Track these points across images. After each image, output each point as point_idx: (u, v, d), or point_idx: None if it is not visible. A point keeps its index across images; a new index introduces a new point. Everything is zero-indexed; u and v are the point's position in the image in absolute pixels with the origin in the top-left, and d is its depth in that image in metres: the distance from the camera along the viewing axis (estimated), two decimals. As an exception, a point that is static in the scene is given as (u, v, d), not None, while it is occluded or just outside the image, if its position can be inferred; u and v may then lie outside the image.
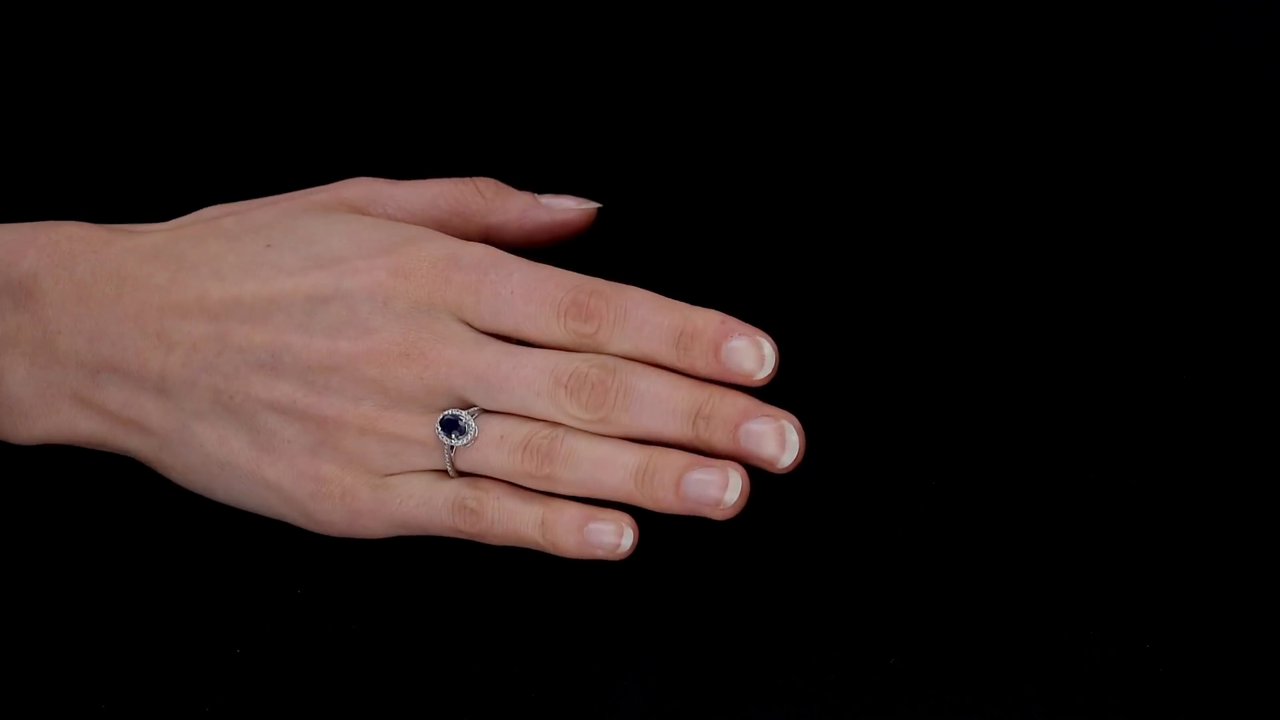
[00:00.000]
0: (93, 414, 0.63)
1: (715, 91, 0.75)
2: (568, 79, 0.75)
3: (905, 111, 0.75)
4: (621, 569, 0.63)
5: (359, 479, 0.62)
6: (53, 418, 0.63)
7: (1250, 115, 0.74)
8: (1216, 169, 0.73)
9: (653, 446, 0.61)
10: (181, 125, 0.74)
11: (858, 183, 0.73)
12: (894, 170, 0.74)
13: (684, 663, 0.61)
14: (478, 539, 0.62)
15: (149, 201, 0.70)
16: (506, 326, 0.62)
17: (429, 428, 0.62)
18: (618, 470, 0.61)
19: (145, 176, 0.73)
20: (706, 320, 0.61)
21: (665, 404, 0.61)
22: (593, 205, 0.67)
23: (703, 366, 0.61)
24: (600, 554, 0.62)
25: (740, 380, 0.61)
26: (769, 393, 0.61)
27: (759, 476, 0.62)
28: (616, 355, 0.62)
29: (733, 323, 0.61)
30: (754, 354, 0.61)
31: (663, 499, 0.61)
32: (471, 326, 0.62)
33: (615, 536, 0.61)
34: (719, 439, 0.61)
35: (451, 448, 0.62)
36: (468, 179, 0.66)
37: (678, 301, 0.62)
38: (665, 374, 0.61)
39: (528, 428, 0.61)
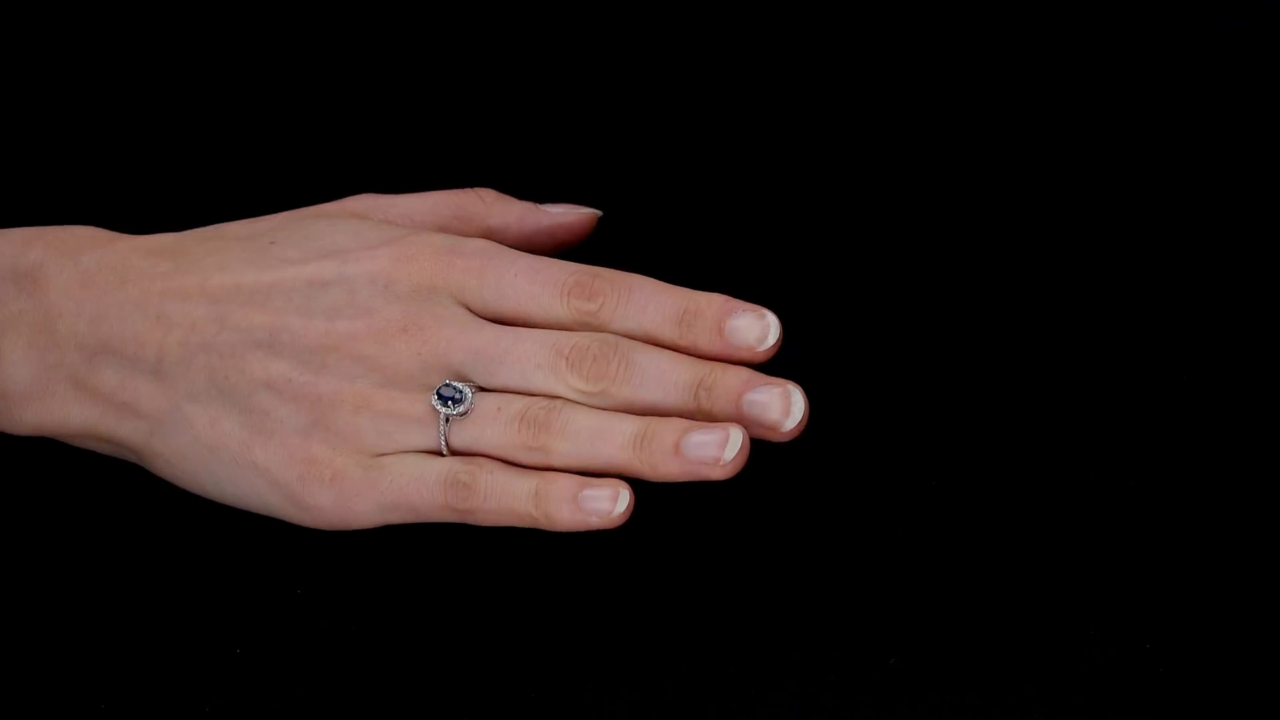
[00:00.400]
0: (86, 399, 0.62)
1: (715, 95, 0.75)
2: (567, 84, 0.75)
3: (904, 111, 0.75)
4: (621, 568, 0.63)
5: (350, 459, 0.61)
6: (47, 403, 0.63)
7: (1250, 115, 0.74)
8: (1216, 169, 0.73)
9: (651, 417, 0.61)
10: (184, 131, 0.74)
11: (855, 187, 0.73)
12: (893, 173, 0.74)
13: (683, 663, 0.61)
14: (469, 518, 0.61)
15: (151, 208, 0.70)
16: (508, 308, 0.62)
17: (424, 404, 0.61)
18: (615, 438, 0.61)
19: (148, 184, 0.73)
20: (710, 299, 0.62)
21: (666, 376, 0.61)
22: (593, 211, 0.67)
23: (706, 344, 0.61)
24: (595, 522, 0.60)
25: (744, 354, 0.61)
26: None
27: (759, 474, 0.62)
28: (619, 334, 0.62)
29: (736, 302, 0.62)
30: (757, 327, 0.62)
31: (661, 462, 0.60)
32: (472, 311, 0.62)
33: (610, 502, 0.60)
34: (721, 408, 0.61)
35: (447, 419, 0.61)
36: (468, 189, 0.66)
37: (681, 287, 0.62)
38: (667, 351, 0.62)
39: (525, 400, 0.61)
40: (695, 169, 0.74)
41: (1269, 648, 0.61)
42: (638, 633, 0.62)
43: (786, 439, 0.61)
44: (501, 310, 0.62)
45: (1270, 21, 0.75)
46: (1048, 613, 0.62)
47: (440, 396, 0.61)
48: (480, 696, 0.61)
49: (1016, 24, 0.76)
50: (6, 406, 0.63)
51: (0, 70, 0.75)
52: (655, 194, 0.73)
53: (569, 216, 0.67)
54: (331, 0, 0.76)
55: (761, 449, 0.64)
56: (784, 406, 0.61)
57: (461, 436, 0.61)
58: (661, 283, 0.62)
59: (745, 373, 0.61)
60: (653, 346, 0.61)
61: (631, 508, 0.61)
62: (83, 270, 0.62)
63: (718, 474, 0.60)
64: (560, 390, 0.61)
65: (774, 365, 0.62)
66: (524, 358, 0.61)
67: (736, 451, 0.60)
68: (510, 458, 0.61)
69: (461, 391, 0.61)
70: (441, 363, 0.61)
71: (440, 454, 0.61)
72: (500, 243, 0.66)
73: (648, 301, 0.62)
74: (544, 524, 0.61)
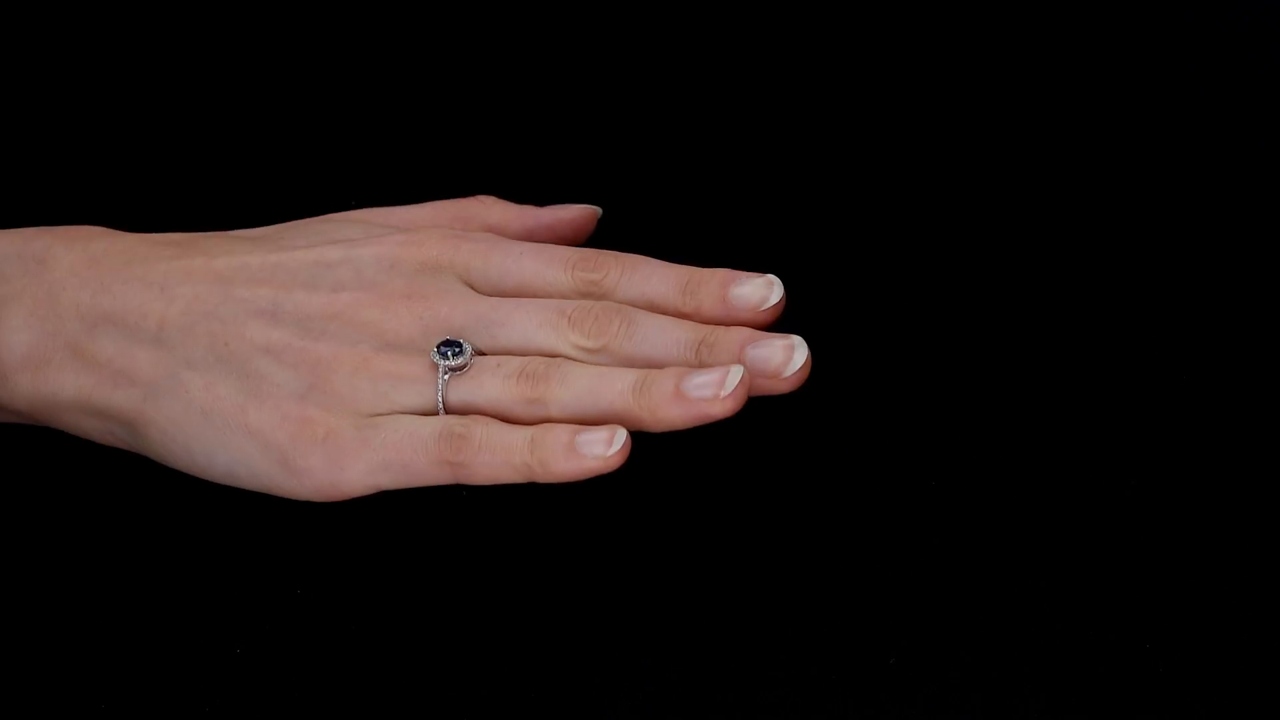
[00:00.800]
0: (83, 368, 0.62)
1: (715, 96, 0.75)
2: (567, 88, 0.75)
3: (905, 109, 0.75)
4: (621, 568, 0.63)
5: (344, 420, 0.61)
6: (43, 371, 0.62)
7: (1250, 115, 0.74)
8: (1217, 169, 0.73)
9: (650, 369, 0.61)
10: (187, 138, 0.74)
11: (855, 187, 0.73)
12: (892, 174, 0.74)
13: (683, 663, 0.61)
14: (462, 473, 0.60)
15: (154, 216, 0.70)
16: (512, 285, 0.62)
17: (422, 364, 0.61)
18: (614, 384, 0.60)
19: (151, 193, 0.73)
20: (714, 271, 0.62)
21: (669, 333, 0.61)
22: (594, 208, 0.67)
23: (709, 308, 0.62)
24: (591, 465, 0.59)
25: (747, 317, 0.61)
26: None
27: (760, 473, 0.62)
28: (622, 303, 0.62)
29: (740, 272, 0.62)
30: (761, 288, 0.62)
31: (661, 405, 0.60)
32: (476, 290, 0.62)
33: (605, 445, 0.59)
34: (722, 362, 0.61)
35: (447, 372, 0.61)
36: (469, 197, 0.67)
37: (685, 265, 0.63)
38: (670, 316, 0.62)
39: (524, 358, 0.61)
40: (696, 169, 0.74)
41: (1269, 648, 0.61)
42: (638, 633, 0.62)
43: (789, 388, 0.61)
44: (505, 288, 0.62)
45: (1270, 21, 0.75)
46: (1047, 613, 0.62)
47: (439, 350, 0.61)
48: (480, 696, 0.61)
49: (1016, 24, 0.76)
50: (2, 374, 0.62)
51: (3, 76, 0.75)
52: (656, 196, 0.73)
53: (570, 212, 0.67)
54: (333, 4, 0.76)
55: (761, 449, 0.64)
56: (785, 355, 0.61)
57: (459, 392, 0.61)
58: (666, 262, 0.62)
59: (747, 330, 0.61)
60: (656, 314, 0.62)
61: (628, 450, 0.59)
62: (90, 254, 0.63)
63: (717, 410, 0.60)
64: (561, 347, 0.61)
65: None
66: (526, 319, 0.61)
67: (736, 384, 0.59)
68: (508, 414, 0.61)
69: (462, 345, 0.61)
70: (443, 326, 0.61)
71: (436, 414, 0.61)
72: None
73: (652, 272, 0.62)
74: (539, 473, 0.60)
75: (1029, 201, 0.73)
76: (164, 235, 0.64)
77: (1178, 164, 0.73)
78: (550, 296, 0.62)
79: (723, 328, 0.61)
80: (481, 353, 0.61)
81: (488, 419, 0.61)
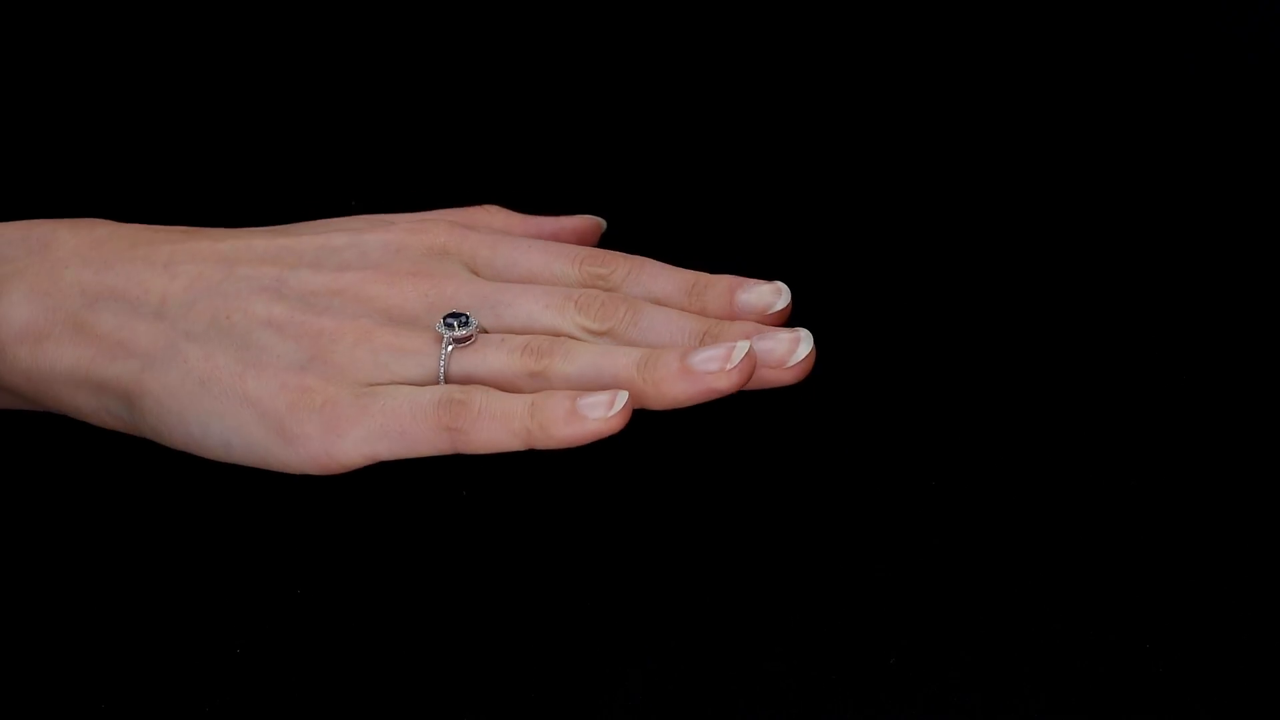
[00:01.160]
0: (82, 340, 0.62)
1: (717, 102, 0.75)
2: (570, 95, 0.75)
3: (906, 111, 0.75)
4: (621, 568, 0.63)
5: (343, 388, 0.60)
6: (42, 344, 0.62)
7: (1250, 115, 0.74)
8: (1217, 169, 0.73)
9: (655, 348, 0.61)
10: (188, 140, 0.74)
11: (859, 188, 0.73)
12: (895, 175, 0.74)
13: (683, 663, 0.61)
14: (461, 440, 0.60)
15: (153, 214, 0.70)
16: (518, 276, 0.62)
17: (425, 338, 0.61)
18: (619, 359, 0.60)
19: (152, 195, 0.73)
20: (721, 276, 0.62)
21: (673, 323, 0.61)
22: (598, 219, 0.67)
23: (715, 310, 0.62)
24: (592, 428, 0.59)
25: (754, 318, 0.61)
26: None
27: (760, 473, 0.62)
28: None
29: (747, 279, 0.62)
30: (769, 293, 0.62)
31: (666, 380, 0.59)
32: (481, 278, 0.62)
33: (607, 408, 0.59)
34: None
35: (450, 343, 0.61)
36: (473, 206, 0.67)
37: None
38: (675, 309, 0.62)
39: (529, 335, 0.61)
40: (699, 174, 0.74)
41: (1269, 648, 0.61)
42: (638, 633, 0.62)
43: (793, 379, 0.60)
44: (511, 278, 0.62)
45: (1271, 22, 0.75)
46: (1047, 613, 0.62)
47: (445, 322, 0.61)
48: (480, 696, 0.61)
49: (1017, 24, 0.76)
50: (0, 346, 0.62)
51: (3, 77, 0.75)
52: (657, 198, 0.73)
53: (574, 221, 0.67)
54: (335, 6, 0.76)
55: (762, 449, 0.64)
56: (790, 346, 0.60)
57: (461, 364, 0.60)
58: (673, 266, 0.63)
59: (752, 324, 0.61)
60: (662, 307, 0.62)
61: (629, 414, 0.59)
62: (94, 237, 0.63)
63: (723, 383, 0.59)
64: (566, 327, 0.61)
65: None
66: (533, 300, 0.61)
67: (742, 358, 0.59)
68: (510, 386, 0.60)
69: (468, 318, 0.61)
70: (448, 304, 0.61)
71: (437, 384, 0.61)
72: None
73: (659, 273, 0.63)
74: (539, 438, 0.59)
75: (1030, 202, 0.73)
76: (168, 226, 0.64)
77: (1178, 164, 0.73)
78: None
79: (727, 321, 0.61)
80: (485, 330, 0.61)
81: (487, 387, 0.60)
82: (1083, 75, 0.75)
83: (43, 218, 0.64)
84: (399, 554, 0.64)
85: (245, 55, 0.75)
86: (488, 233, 0.63)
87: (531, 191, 0.70)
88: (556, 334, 0.61)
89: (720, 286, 0.62)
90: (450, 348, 0.60)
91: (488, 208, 0.67)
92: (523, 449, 0.60)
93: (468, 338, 0.60)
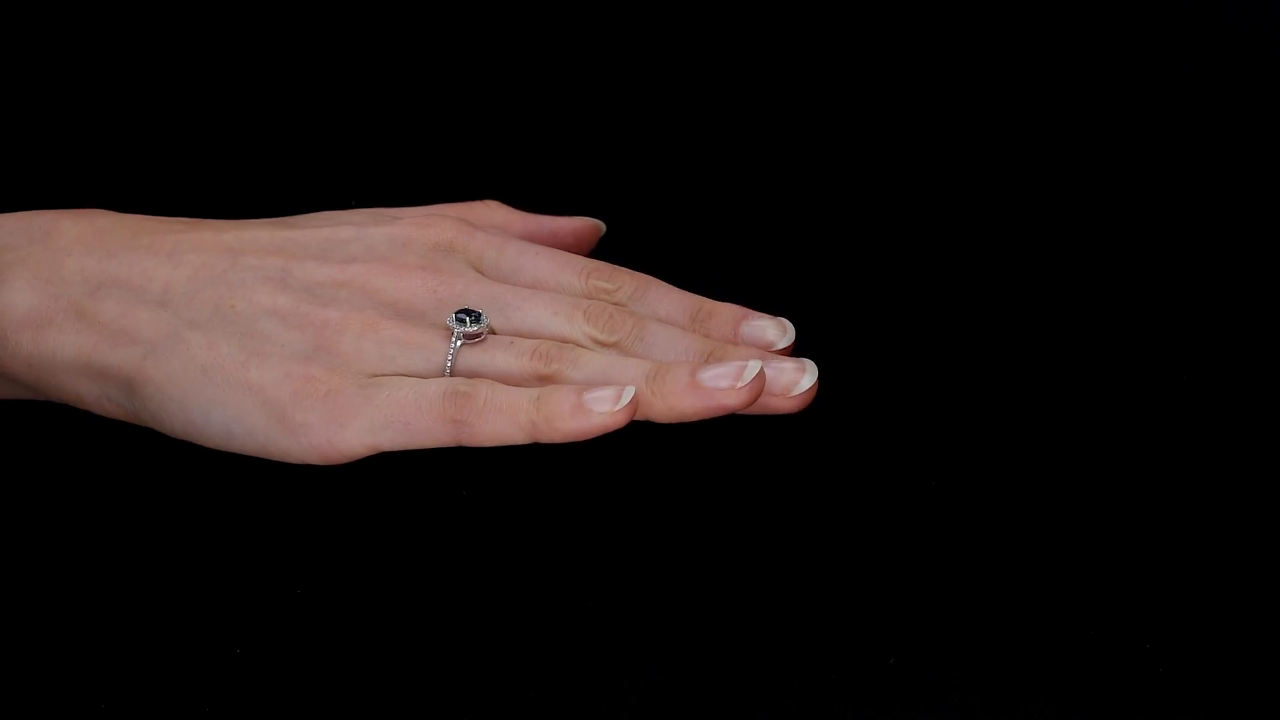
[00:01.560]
0: (84, 328, 0.61)
1: (718, 104, 0.75)
2: (571, 95, 0.75)
3: (907, 114, 0.75)
4: (621, 568, 0.63)
5: (347, 379, 0.60)
6: (44, 331, 0.61)
7: (1250, 115, 0.74)
8: (1217, 169, 0.73)
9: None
10: (188, 135, 0.74)
11: (856, 194, 0.73)
12: (894, 180, 0.74)
13: (683, 663, 0.61)
14: (466, 432, 0.59)
15: (153, 202, 0.70)
16: (524, 281, 0.62)
17: (433, 332, 0.60)
18: (628, 369, 0.60)
19: (151, 188, 0.73)
20: (726, 305, 0.62)
21: (679, 341, 0.61)
22: (597, 221, 0.67)
23: (718, 338, 0.61)
24: (598, 422, 0.59)
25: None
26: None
27: (760, 472, 0.62)
28: None
29: (752, 311, 0.62)
30: (773, 330, 0.62)
31: (674, 393, 0.59)
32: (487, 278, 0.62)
33: (612, 403, 0.59)
34: None
35: (460, 338, 0.60)
36: (473, 201, 0.67)
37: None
38: (681, 328, 0.62)
39: (538, 340, 0.61)
40: (699, 179, 0.74)
41: (1269, 648, 0.61)
42: (638, 633, 0.62)
43: (794, 408, 0.60)
44: (517, 283, 0.62)
45: (1271, 21, 0.75)
46: (1048, 613, 0.62)
47: (457, 317, 0.60)
48: (480, 696, 0.61)
49: (1017, 24, 0.76)
50: (2, 334, 0.62)
51: (3, 75, 0.75)
52: (659, 207, 0.73)
53: (574, 223, 0.67)
54: (335, 5, 0.76)
55: (763, 450, 0.64)
56: (795, 376, 0.60)
57: (468, 360, 0.60)
58: (679, 289, 0.62)
59: (756, 350, 0.61)
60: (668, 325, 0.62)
61: (634, 409, 0.59)
62: (97, 226, 0.63)
63: (733, 401, 0.59)
64: (574, 335, 0.61)
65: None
66: (542, 305, 0.61)
67: (754, 377, 0.59)
68: (515, 383, 0.60)
69: (480, 315, 0.61)
70: (457, 301, 0.61)
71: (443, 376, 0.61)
72: None
73: (664, 295, 0.62)
74: (544, 432, 0.59)
75: (1028, 205, 0.73)
76: (171, 217, 0.64)
77: (1178, 164, 0.73)
78: None
79: (731, 345, 0.61)
80: (494, 331, 0.61)
81: (492, 381, 0.60)
82: (1083, 75, 0.75)
83: (44, 209, 0.64)
84: (399, 552, 0.64)
85: (245, 48, 0.75)
86: (495, 234, 0.63)
87: (532, 192, 0.70)
88: (565, 341, 0.61)
89: (725, 315, 0.62)
90: (459, 343, 0.60)
91: (488, 203, 0.67)
92: (527, 442, 0.59)
93: (478, 334, 0.60)
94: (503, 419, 0.59)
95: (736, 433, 0.65)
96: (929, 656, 0.61)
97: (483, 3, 0.76)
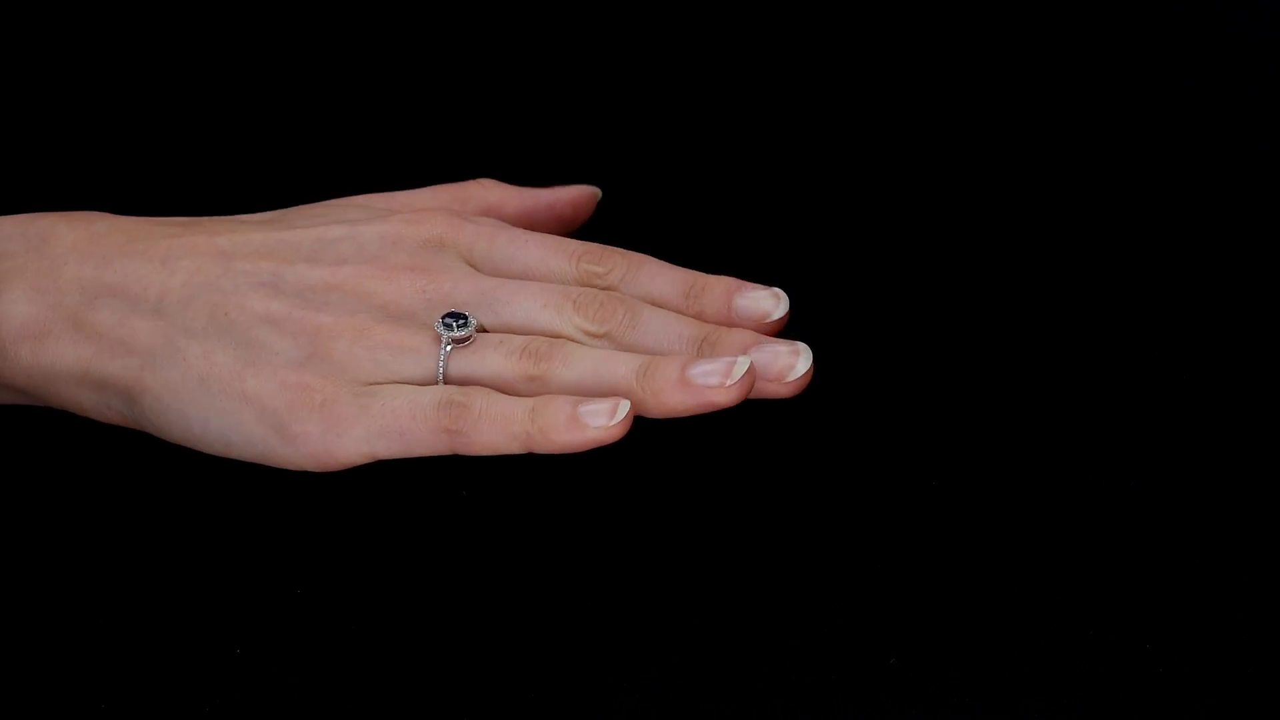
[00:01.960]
0: (82, 338, 0.62)
1: (717, 91, 0.75)
2: (568, 83, 0.75)
3: (906, 113, 0.75)
4: (621, 568, 0.63)
5: (342, 387, 0.60)
6: (43, 342, 0.62)
7: (1250, 115, 0.74)
8: (1217, 169, 0.73)
9: (654, 356, 0.61)
10: (183, 130, 0.74)
11: (857, 185, 0.73)
12: (894, 173, 0.74)
13: (683, 663, 0.61)
14: (461, 441, 0.60)
15: (151, 205, 0.70)
16: (515, 271, 0.62)
17: (424, 336, 0.61)
18: (618, 367, 0.60)
19: (149, 189, 0.73)
20: (719, 279, 0.62)
21: (671, 329, 0.61)
22: (593, 189, 0.67)
23: (712, 314, 0.62)
24: (593, 435, 0.59)
25: (751, 326, 0.61)
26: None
27: (760, 472, 0.62)
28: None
29: (745, 282, 0.62)
30: (767, 300, 0.62)
31: (665, 390, 0.60)
32: (478, 271, 0.62)
33: (608, 416, 0.59)
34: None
35: (449, 343, 0.61)
36: (468, 180, 0.67)
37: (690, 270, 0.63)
38: (673, 312, 0.62)
39: (528, 337, 0.61)
40: (697, 165, 0.74)
41: (1269, 648, 0.61)
42: (637, 633, 0.62)
43: (789, 393, 0.61)
44: (508, 273, 0.63)
45: (1271, 21, 0.75)
46: (1048, 613, 0.62)
47: (444, 322, 0.61)
48: (480, 696, 0.61)
49: (1017, 24, 0.76)
50: (1, 345, 0.62)
51: (2, 73, 0.75)
52: (657, 193, 0.73)
53: (570, 192, 0.67)
54: (332, 2, 0.76)
55: (762, 449, 0.64)
56: (790, 360, 0.61)
57: (459, 365, 0.61)
58: (671, 264, 0.63)
59: (750, 332, 0.61)
60: (659, 308, 0.62)
61: (630, 422, 0.59)
62: (92, 232, 0.63)
63: (722, 398, 0.59)
64: (565, 329, 0.61)
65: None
66: (531, 299, 0.61)
67: (743, 375, 0.59)
68: (508, 389, 0.61)
69: (466, 318, 0.61)
70: (446, 301, 0.61)
71: (435, 384, 0.61)
72: (500, 218, 0.66)
73: (656, 273, 0.63)
74: (539, 443, 0.60)
75: (1028, 202, 0.73)
76: (166, 218, 0.64)
77: (1178, 164, 0.73)
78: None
79: (725, 328, 0.61)
80: (484, 329, 0.61)
81: (487, 389, 0.60)
82: (1083, 75, 0.75)
83: (41, 208, 0.64)
84: (399, 554, 0.64)
85: (241, 45, 0.75)
86: (485, 224, 0.63)
87: (525, 169, 0.70)
88: (555, 335, 0.61)
89: (718, 290, 0.62)
90: (449, 348, 0.61)
91: (482, 181, 0.67)
92: (522, 452, 0.60)
93: (466, 338, 0.61)
94: (497, 430, 0.60)
95: (737, 431, 0.65)
96: (929, 656, 0.61)
97: None
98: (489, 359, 0.61)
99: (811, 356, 0.61)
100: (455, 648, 0.62)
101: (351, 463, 0.61)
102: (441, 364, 0.61)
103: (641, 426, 0.60)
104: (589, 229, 0.68)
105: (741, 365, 0.60)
